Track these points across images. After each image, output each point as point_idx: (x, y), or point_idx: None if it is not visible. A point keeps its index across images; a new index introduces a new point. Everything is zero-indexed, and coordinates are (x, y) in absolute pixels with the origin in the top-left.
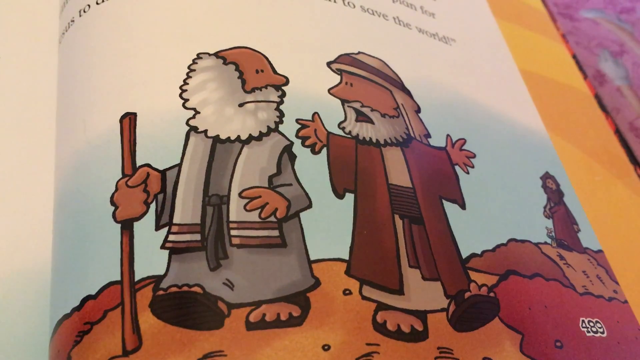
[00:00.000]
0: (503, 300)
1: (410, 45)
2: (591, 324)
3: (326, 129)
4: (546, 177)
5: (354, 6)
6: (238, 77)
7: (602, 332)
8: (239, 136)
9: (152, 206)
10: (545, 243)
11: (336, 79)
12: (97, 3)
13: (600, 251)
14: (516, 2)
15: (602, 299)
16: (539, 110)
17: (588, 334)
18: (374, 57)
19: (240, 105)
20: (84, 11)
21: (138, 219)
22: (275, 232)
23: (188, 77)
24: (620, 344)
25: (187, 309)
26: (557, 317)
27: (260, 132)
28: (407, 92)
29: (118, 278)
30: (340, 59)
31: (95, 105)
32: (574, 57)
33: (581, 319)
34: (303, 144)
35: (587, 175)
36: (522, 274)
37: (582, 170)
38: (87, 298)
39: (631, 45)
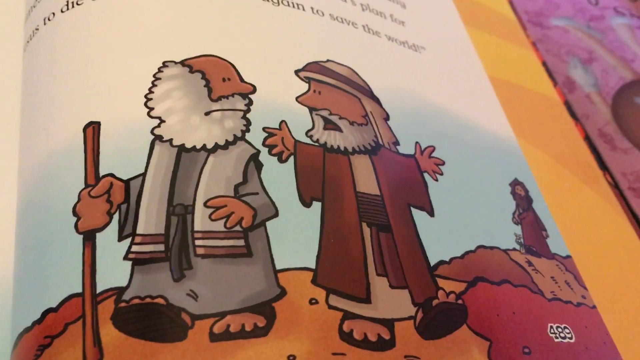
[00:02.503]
0: (471, 307)
1: (380, 53)
2: (559, 329)
3: (293, 137)
4: (515, 184)
5: (323, 14)
6: (204, 86)
7: (571, 338)
8: (204, 145)
9: (116, 217)
10: (514, 249)
11: (304, 87)
12: (61, 11)
13: (568, 257)
14: (486, 10)
15: (571, 304)
16: (508, 118)
17: (556, 340)
18: (342, 65)
19: (207, 113)
20: (49, 19)
21: (101, 229)
22: (241, 242)
23: (153, 85)
24: (589, 349)
25: (149, 321)
26: (525, 323)
27: (226, 140)
28: (376, 100)
29: (79, 290)
30: (308, 67)
31: (58, 114)
32: (544, 64)
33: (549, 324)
34: (270, 153)
35: (557, 181)
36: (490, 280)
37: (552, 177)
38: (48, 311)
39: (600, 52)
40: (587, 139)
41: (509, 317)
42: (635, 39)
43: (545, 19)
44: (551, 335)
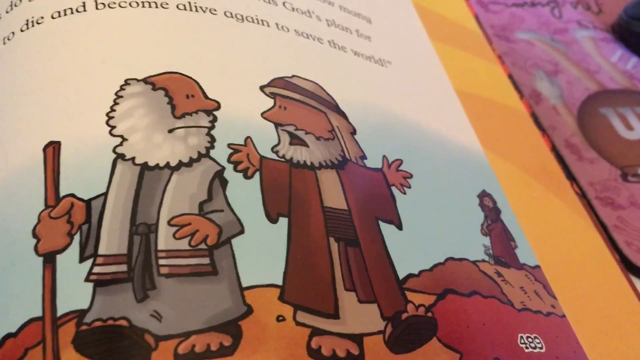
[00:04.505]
0: (441, 319)
1: (346, 68)
2: (529, 339)
3: (259, 153)
4: (483, 195)
5: (288, 30)
6: (168, 103)
7: (541, 348)
8: (168, 162)
9: (77, 238)
10: (483, 260)
11: (270, 102)
12: (21, 30)
13: (537, 267)
14: (452, 24)
15: (540, 314)
16: (475, 130)
17: (527, 350)
18: (308, 80)
19: (170, 131)
20: (8, 39)
21: (61, 251)
22: (206, 260)
23: (115, 103)
24: (559, 358)
25: (111, 343)
26: (495, 334)
27: (190, 158)
28: (343, 115)
29: (40, 314)
30: (273, 82)
31: (18, 134)
32: (510, 77)
33: (519, 334)
34: (235, 169)
35: (525, 192)
36: (460, 292)
37: (520, 188)
38: (8, 336)
39: (565, 64)
40: (554, 149)
41: (478, 329)
42: (598, 50)
43: (511, 33)
44: (521, 345)
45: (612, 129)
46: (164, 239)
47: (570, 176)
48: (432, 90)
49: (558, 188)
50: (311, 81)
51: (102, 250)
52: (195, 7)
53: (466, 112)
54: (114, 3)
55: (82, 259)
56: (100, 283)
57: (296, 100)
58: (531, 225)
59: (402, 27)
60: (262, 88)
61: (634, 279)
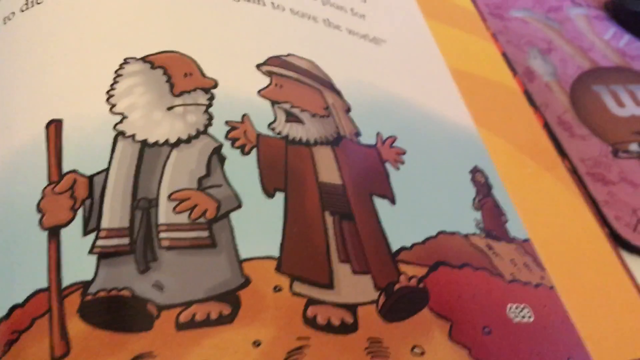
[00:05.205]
0: (432, 290)
1: (341, 47)
2: (518, 309)
3: (256, 130)
4: (475, 171)
5: (284, 9)
6: (166, 81)
7: (530, 317)
8: (167, 139)
9: (80, 212)
10: (474, 234)
11: (266, 81)
12: (21, 10)
13: (527, 240)
14: (446, 2)
15: (530, 285)
16: (469, 107)
17: (515, 319)
18: (304, 58)
19: (169, 108)
20: (9, 19)
21: (65, 225)
22: (205, 233)
23: (115, 82)
24: (547, 328)
25: (115, 312)
26: (485, 305)
27: (189, 135)
28: (338, 92)
29: (45, 285)
30: (269, 61)
31: (20, 112)
32: (504, 55)
33: (509, 305)
34: (233, 145)
35: (517, 168)
36: (451, 264)
37: (513, 163)
38: (15, 307)
39: (559, 42)
40: (547, 126)
41: (469, 299)
42: (592, 28)
43: (505, 11)
44: (510, 315)
45: (604, 106)
46: (165, 213)
47: (562, 152)
48: (426, 68)
49: (549, 164)
50: (307, 59)
51: (104, 224)
52: None
53: (460, 89)
54: None
55: (85, 232)
56: (103, 255)
57: (292, 78)
58: (522, 200)
59: (396, 5)
60: (258, 66)
61: (623, 253)
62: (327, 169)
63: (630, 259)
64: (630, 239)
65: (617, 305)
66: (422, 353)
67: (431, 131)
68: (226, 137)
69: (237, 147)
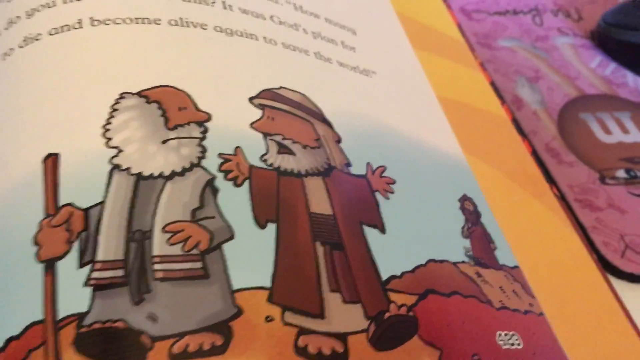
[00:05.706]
0: (422, 318)
1: (332, 79)
2: (507, 336)
3: (248, 162)
4: (464, 199)
5: (276, 43)
6: (161, 115)
7: (519, 344)
8: (161, 172)
9: (76, 245)
10: (464, 262)
11: (258, 113)
12: (19, 47)
13: (516, 267)
14: (435, 33)
15: (518, 312)
16: (457, 136)
17: (504, 347)
18: (295, 91)
19: (163, 142)
20: (7, 55)
21: (61, 257)
22: (199, 264)
23: (111, 116)
24: (536, 354)
25: (110, 344)
26: (474, 332)
27: (182, 167)
28: (328, 124)
29: (41, 318)
30: (262, 94)
31: (17, 146)
32: (492, 83)
33: (498, 332)
34: (226, 178)
35: (506, 195)
36: (440, 292)
37: (501, 191)
38: (11, 339)
39: (546, 71)
40: (535, 153)
41: (458, 327)
42: (578, 57)
43: (494, 40)
44: (499, 342)
45: (591, 133)
46: (159, 245)
47: (550, 179)
48: (415, 98)
49: (538, 191)
50: (298, 92)
51: (100, 256)
52: (187, 22)
53: (449, 118)
54: (109, 20)
55: (81, 264)
56: (98, 287)
57: (283, 110)
58: (511, 227)
59: (385, 37)
60: (251, 100)
61: (611, 278)
62: (318, 199)
63: (618, 285)
64: (618, 264)
65: (607, 331)
66: None
67: (420, 160)
68: (219, 169)
69: (230, 179)
